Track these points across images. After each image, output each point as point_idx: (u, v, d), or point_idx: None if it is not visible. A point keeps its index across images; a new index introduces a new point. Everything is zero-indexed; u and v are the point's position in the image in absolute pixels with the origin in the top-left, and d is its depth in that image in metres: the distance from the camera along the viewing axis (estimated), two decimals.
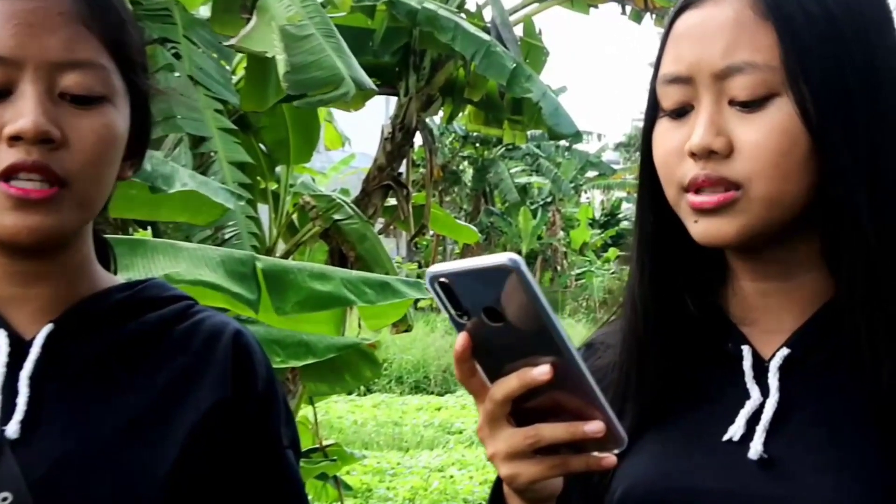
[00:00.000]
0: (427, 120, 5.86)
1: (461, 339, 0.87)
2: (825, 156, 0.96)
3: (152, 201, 3.07)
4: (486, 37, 4.78)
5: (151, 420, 1.03)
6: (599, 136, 24.78)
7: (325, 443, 4.71)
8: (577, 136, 5.36)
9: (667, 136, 1.01)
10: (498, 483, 1.00)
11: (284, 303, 2.63)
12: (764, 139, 0.96)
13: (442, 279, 0.86)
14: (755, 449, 0.97)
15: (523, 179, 24.19)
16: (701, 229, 0.99)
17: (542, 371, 0.85)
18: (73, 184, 1.00)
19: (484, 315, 0.86)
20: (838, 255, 0.98)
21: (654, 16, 6.33)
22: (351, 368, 3.03)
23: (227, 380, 1.06)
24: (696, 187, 0.98)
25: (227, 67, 4.52)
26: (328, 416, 10.77)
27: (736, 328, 1.04)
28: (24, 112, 0.98)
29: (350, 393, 12.08)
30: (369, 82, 2.04)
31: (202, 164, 3.94)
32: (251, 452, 1.07)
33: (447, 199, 21.88)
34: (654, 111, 1.03)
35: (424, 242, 19.18)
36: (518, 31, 5.69)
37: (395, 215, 5.80)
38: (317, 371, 2.96)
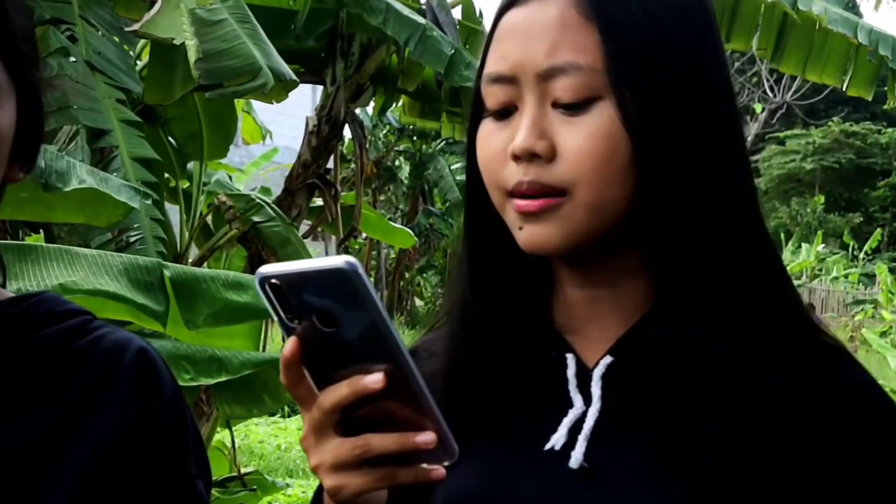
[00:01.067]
0: (357, 111, 5.85)
1: (290, 343, 0.91)
2: (645, 162, 1.02)
3: (45, 201, 3.03)
4: (421, 20, 4.79)
5: (43, 449, 1.02)
6: None
7: (243, 470, 4.68)
8: None
9: (490, 137, 1.07)
10: (318, 494, 1.06)
11: (195, 315, 2.62)
12: (586, 143, 1.02)
13: (273, 280, 0.89)
14: (575, 458, 1.04)
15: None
16: (525, 235, 1.05)
17: (374, 379, 0.89)
18: None
19: (316, 319, 0.89)
20: (658, 264, 1.06)
21: None
22: (269, 388, 3.02)
23: (130, 403, 1.06)
24: (520, 194, 1.04)
25: (131, 52, 4.48)
26: (248, 440, 10.68)
27: (560, 336, 1.11)
28: None
29: (272, 415, 12.00)
30: (290, 73, 2.04)
31: (101, 161, 3.90)
32: (156, 482, 1.07)
33: (381, 197, 21.84)
34: (478, 111, 1.09)
35: (356, 246, 19.13)
36: (456, 13, 5.71)
37: (322, 217, 5.79)
38: (231, 391, 2.94)
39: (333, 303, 0.88)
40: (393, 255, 21.85)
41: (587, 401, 1.06)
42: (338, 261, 0.87)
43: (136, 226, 3.97)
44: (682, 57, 1.03)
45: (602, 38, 1.01)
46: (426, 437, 0.91)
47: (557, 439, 1.05)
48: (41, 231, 4.32)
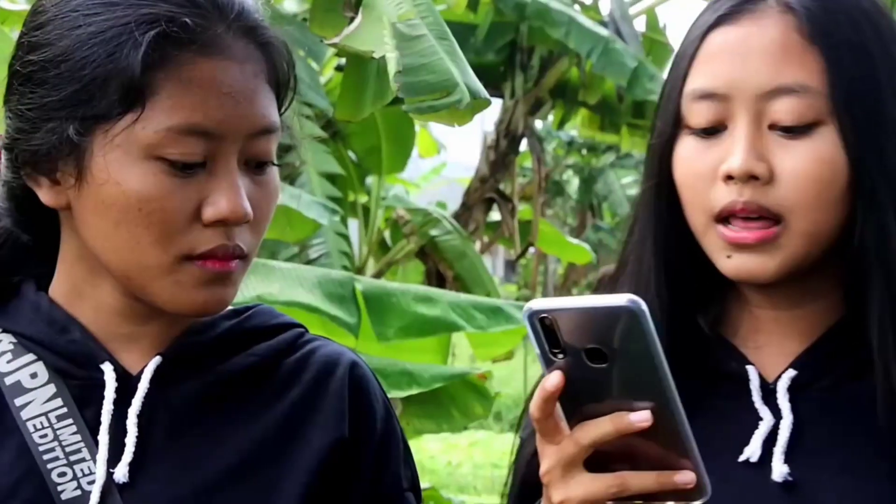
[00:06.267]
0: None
1: (555, 377, 0.91)
2: (864, 187, 1.05)
3: None
4: (603, 32, 4.78)
5: (264, 461, 1.06)
6: None
7: None
8: None
9: (695, 156, 1.07)
10: None
11: (386, 327, 2.66)
12: (808, 168, 1.03)
13: (544, 315, 0.90)
14: (779, 471, 1.04)
15: (636, 191, 23.99)
16: (735, 265, 1.05)
17: (641, 418, 0.90)
18: None
19: (584, 354, 0.90)
20: (865, 289, 1.05)
21: None
22: (459, 403, 3.05)
23: (344, 418, 1.08)
24: (729, 214, 1.04)
25: (316, 67, 4.60)
26: (419, 455, 10.79)
27: (735, 348, 1.11)
28: None
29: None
30: (484, 91, 2.07)
31: (289, 176, 4.02)
32: (370, 497, 1.09)
33: (549, 212, 21.81)
34: (674, 127, 1.09)
35: (523, 262, 19.15)
36: (639, 25, 5.67)
37: (499, 232, 5.83)
38: (421, 406, 2.99)
39: (608, 340, 0.89)
40: (560, 271, 21.77)
41: (775, 413, 1.07)
42: (621, 299, 0.88)
43: (319, 240, 4.07)
44: (891, 82, 1.07)
45: (827, 63, 1.04)
46: (685, 478, 0.91)
47: (752, 452, 1.06)
48: None
